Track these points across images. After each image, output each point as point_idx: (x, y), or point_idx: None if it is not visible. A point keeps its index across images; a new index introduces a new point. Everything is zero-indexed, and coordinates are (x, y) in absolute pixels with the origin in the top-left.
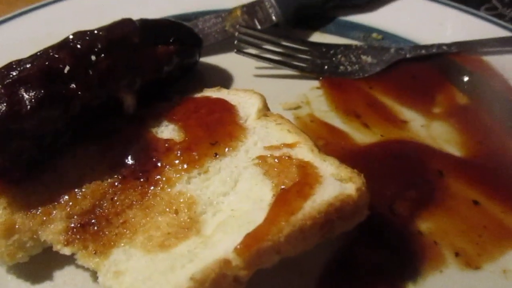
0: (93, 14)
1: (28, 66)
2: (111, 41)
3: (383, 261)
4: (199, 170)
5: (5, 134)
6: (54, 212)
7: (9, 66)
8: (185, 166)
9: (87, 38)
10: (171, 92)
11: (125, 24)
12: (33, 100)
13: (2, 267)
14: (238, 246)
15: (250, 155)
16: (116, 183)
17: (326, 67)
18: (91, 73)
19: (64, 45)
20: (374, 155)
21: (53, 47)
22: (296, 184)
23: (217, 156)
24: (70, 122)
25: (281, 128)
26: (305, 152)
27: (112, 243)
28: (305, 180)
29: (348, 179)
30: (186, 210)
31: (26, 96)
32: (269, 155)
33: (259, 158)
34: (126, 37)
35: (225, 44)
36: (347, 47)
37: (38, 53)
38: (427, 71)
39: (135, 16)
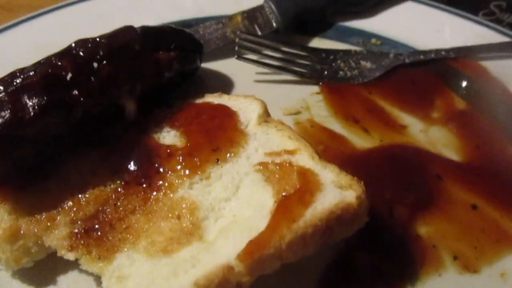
0: (95, 21)
1: (31, 73)
2: (112, 48)
3: (382, 265)
4: (201, 175)
5: (9, 141)
6: (58, 217)
7: (13, 74)
8: (187, 171)
9: (89, 45)
10: (172, 98)
11: (126, 31)
12: (36, 106)
13: (7, 272)
14: (241, 253)
15: (251, 161)
16: (118, 189)
17: (325, 72)
18: (93, 80)
19: (66, 52)
20: (374, 159)
21: (55, 55)
22: (297, 191)
23: (219, 161)
24: (72, 128)
25: (282, 134)
26: (305, 158)
27: (115, 248)
28: (305, 187)
29: (348, 186)
30: (188, 216)
31: (29, 103)
32: (270, 162)
33: (260, 164)
34: (127, 44)
35: (226, 50)
36: (346, 52)
37: (41, 61)
38: (426, 76)
39: (137, 23)
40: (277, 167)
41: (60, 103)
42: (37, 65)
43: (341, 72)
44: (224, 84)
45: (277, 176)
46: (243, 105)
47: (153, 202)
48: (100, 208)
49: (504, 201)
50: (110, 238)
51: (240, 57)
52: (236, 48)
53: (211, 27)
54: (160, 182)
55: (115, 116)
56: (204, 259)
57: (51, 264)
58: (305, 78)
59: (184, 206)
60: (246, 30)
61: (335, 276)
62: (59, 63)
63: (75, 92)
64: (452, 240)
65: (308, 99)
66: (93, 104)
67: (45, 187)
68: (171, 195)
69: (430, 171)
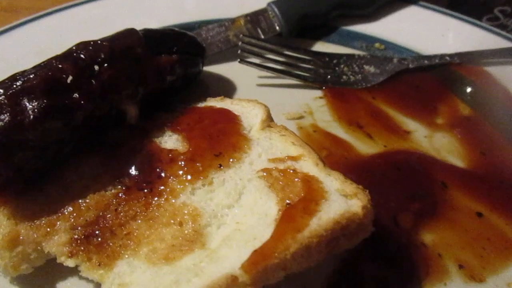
0: (97, 24)
1: (31, 76)
2: (114, 51)
3: (386, 273)
4: (203, 181)
5: (8, 145)
6: (58, 223)
7: (13, 77)
8: (189, 177)
9: (91, 48)
10: (174, 102)
11: (129, 34)
12: (36, 110)
13: (6, 278)
14: (245, 263)
15: (255, 167)
16: (120, 194)
17: (329, 76)
18: (94, 83)
19: (67, 55)
20: (377, 166)
21: (56, 58)
22: (301, 200)
23: (221, 167)
24: (73, 132)
25: (285, 139)
26: (309, 165)
27: (116, 254)
28: (310, 195)
29: (354, 195)
30: (190, 222)
31: (29, 106)
32: (273, 168)
33: (263, 170)
34: (129, 48)
35: (229, 54)
36: (349, 57)
37: (42, 64)
38: (430, 82)
39: (139, 26)
40: (281, 174)
41: (61, 106)
42: (37, 68)
43: (344, 77)
44: (227, 88)
45: (280, 183)
46: (245, 109)
47: (155, 208)
48: (100, 214)
49: (510, 209)
50: (111, 244)
51: (242, 61)
52: (239, 52)
53: (214, 30)
54: (162, 188)
55: (117, 120)
56: (207, 268)
57: (50, 271)
58: (308, 82)
59: (186, 212)
60: (249, 34)
61: (339, 285)
62: (60, 66)
63: (76, 95)
64: (457, 249)
65: (311, 104)
66: (94, 107)
67: (45, 192)
68: (173, 201)
69: (435, 178)
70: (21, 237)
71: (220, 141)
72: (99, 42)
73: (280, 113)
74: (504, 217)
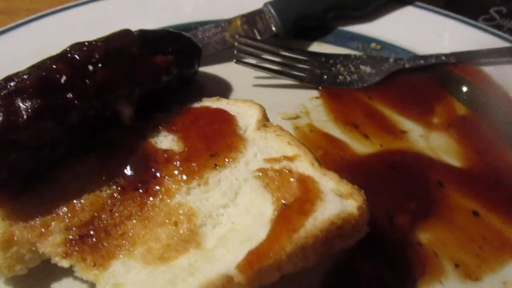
0: (94, 25)
1: (25, 77)
2: (109, 51)
3: (382, 273)
4: (199, 181)
5: (2, 145)
6: (53, 224)
7: (8, 78)
8: (185, 177)
9: (85, 48)
10: (170, 103)
11: (124, 34)
12: (29, 110)
13: (0, 279)
14: (241, 263)
15: (250, 167)
16: (115, 195)
17: (325, 77)
18: (88, 83)
19: (61, 56)
20: (373, 165)
21: (50, 58)
22: (297, 201)
23: (217, 167)
24: (68, 133)
25: (281, 139)
26: (305, 165)
27: (111, 255)
28: (306, 196)
29: (349, 195)
30: (185, 222)
31: (22, 106)
32: (269, 168)
33: (259, 170)
34: (124, 48)
35: (225, 54)
36: (346, 57)
37: (36, 65)
38: (426, 82)
39: (135, 27)
40: (277, 174)
41: (54, 106)
42: (32, 69)
43: (340, 77)
44: (223, 89)
45: (276, 183)
46: (241, 109)
47: (150, 208)
48: (95, 214)
49: (506, 208)
50: (106, 244)
51: (239, 61)
52: (235, 52)
53: (210, 31)
54: (157, 188)
55: (112, 120)
56: (202, 268)
57: (45, 272)
58: (305, 82)
59: (181, 212)
60: (245, 34)
61: (334, 284)
62: (54, 66)
63: (70, 95)
64: (453, 248)
65: (307, 104)
66: (88, 107)
67: (40, 193)
68: (168, 201)
69: (431, 178)
70: (15, 238)
71: (216, 141)
72: (93, 42)
73: (276, 113)
74: (500, 216)
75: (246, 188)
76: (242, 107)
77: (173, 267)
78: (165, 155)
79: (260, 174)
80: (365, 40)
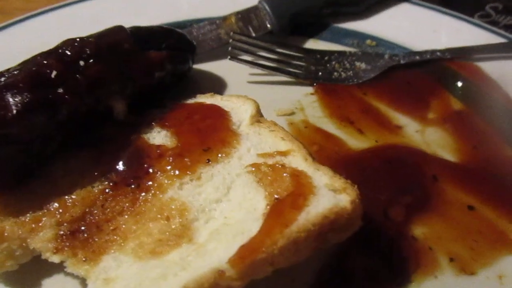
0: (88, 23)
1: (15, 72)
2: (100, 47)
3: (377, 267)
4: (191, 176)
5: None
6: (44, 219)
7: None
8: (177, 172)
9: (76, 44)
10: (164, 99)
11: (116, 30)
12: (19, 104)
13: None
14: (233, 258)
15: (243, 162)
16: (107, 190)
17: (320, 73)
18: (79, 78)
19: (52, 51)
20: (368, 160)
21: (41, 54)
22: (290, 195)
23: (210, 162)
24: (59, 128)
25: (275, 135)
26: (298, 160)
27: (102, 250)
28: (299, 190)
29: (342, 190)
30: (178, 217)
31: (12, 101)
32: (262, 163)
33: (252, 165)
34: (116, 43)
35: (219, 51)
36: (341, 53)
37: (27, 60)
38: (421, 77)
39: (129, 25)
40: (270, 169)
41: (45, 101)
42: (22, 65)
43: (335, 73)
44: (217, 85)
45: (269, 178)
46: (235, 105)
47: (142, 203)
48: (87, 210)
49: (501, 202)
50: (97, 240)
51: (233, 58)
52: (230, 49)
53: (205, 28)
54: (150, 183)
55: (104, 116)
56: (194, 262)
57: (36, 268)
58: (300, 79)
59: (173, 207)
60: (240, 31)
61: (328, 279)
62: (45, 62)
63: (61, 90)
64: (448, 242)
65: (302, 100)
66: (79, 103)
67: (30, 188)
68: (161, 196)
69: (426, 172)
70: (6, 234)
71: (209, 136)
72: (85, 38)
73: (271, 109)
74: (495, 210)
75: (239, 183)
76: (236, 102)
77: (165, 261)
78: (158, 151)
79: (253, 169)
80: (360, 37)
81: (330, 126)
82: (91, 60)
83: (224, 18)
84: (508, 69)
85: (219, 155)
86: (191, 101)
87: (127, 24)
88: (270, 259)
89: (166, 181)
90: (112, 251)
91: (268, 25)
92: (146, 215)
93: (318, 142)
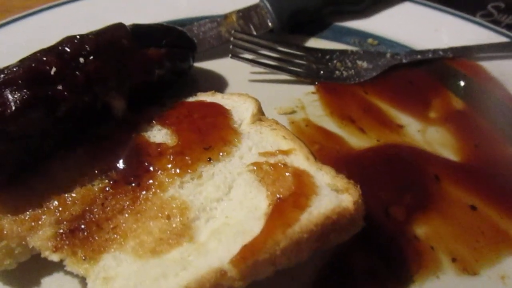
0: (88, 21)
1: (14, 69)
2: (100, 44)
3: (378, 267)
4: (192, 175)
5: None
6: (43, 217)
7: None
8: (178, 170)
9: (76, 41)
10: (164, 97)
11: (115, 28)
12: (17, 101)
13: None
14: (234, 258)
15: (245, 161)
16: (107, 188)
17: (321, 72)
18: (78, 75)
19: (52, 48)
20: (370, 159)
21: (41, 51)
22: (292, 195)
23: (211, 161)
24: (58, 124)
25: (276, 133)
26: (300, 160)
27: (102, 248)
28: (301, 190)
29: (344, 190)
30: (178, 216)
31: (10, 97)
32: (264, 162)
33: (253, 164)
34: (116, 40)
35: (220, 49)
36: (342, 52)
37: (26, 57)
38: (423, 76)
39: (129, 23)
40: (271, 168)
41: (43, 98)
42: (22, 61)
43: (337, 72)
44: (218, 84)
45: (271, 177)
46: (236, 103)
47: (142, 202)
48: (87, 208)
49: (503, 202)
50: (97, 238)
51: (234, 56)
52: (231, 47)
53: (206, 26)
54: (150, 181)
55: (104, 113)
56: (195, 261)
57: (35, 266)
58: (301, 78)
59: (174, 206)
60: (241, 30)
61: (329, 279)
62: (44, 58)
63: (60, 87)
64: (450, 242)
65: (304, 99)
66: (78, 99)
67: (30, 186)
68: (161, 195)
69: (428, 171)
70: (4, 232)
71: (210, 134)
72: (85, 35)
73: (272, 108)
74: (498, 209)
75: (240, 182)
76: (237, 101)
77: (165, 260)
78: (158, 149)
79: (255, 168)
80: (362, 35)
81: (331, 125)
82: (91, 57)
83: (225, 16)
84: (510, 68)
85: (220, 153)
86: (191, 99)
87: (127, 22)
88: (272, 259)
89: (166, 180)
90: (112, 249)
91: (269, 23)
92: (146, 214)
93: (319, 141)
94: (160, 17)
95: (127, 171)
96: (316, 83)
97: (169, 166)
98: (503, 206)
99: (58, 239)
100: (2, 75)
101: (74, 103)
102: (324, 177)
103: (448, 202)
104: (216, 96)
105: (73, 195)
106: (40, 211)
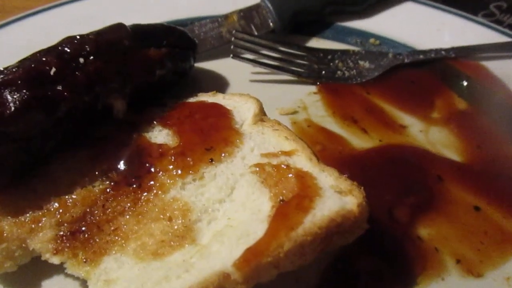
0: (89, 21)
1: (14, 69)
2: (100, 44)
3: (382, 269)
4: (194, 176)
5: None
6: (43, 219)
7: None
8: (179, 171)
9: (76, 42)
10: (165, 97)
11: (116, 28)
12: (17, 101)
13: None
14: (238, 261)
15: (247, 162)
16: (107, 190)
17: (323, 72)
18: (78, 75)
19: (52, 49)
20: (373, 160)
21: (41, 51)
22: (295, 197)
23: (213, 162)
24: (58, 125)
25: (278, 134)
26: (303, 161)
27: (103, 251)
28: (304, 192)
29: (348, 192)
30: (180, 217)
31: (10, 98)
32: (266, 163)
33: (256, 165)
34: (116, 41)
35: (221, 50)
36: (344, 52)
37: (26, 58)
38: (425, 76)
39: (130, 23)
40: (274, 169)
41: (43, 98)
42: (22, 62)
43: (339, 72)
44: (219, 84)
45: (274, 178)
46: (238, 103)
47: (144, 203)
48: (87, 210)
49: (507, 203)
50: (98, 240)
51: (235, 57)
52: (232, 47)
53: (207, 26)
54: (151, 183)
55: (104, 114)
56: (198, 264)
57: (35, 269)
58: (303, 78)
59: (176, 207)
60: (242, 30)
61: (333, 280)
62: (44, 59)
63: (60, 87)
64: (454, 243)
65: (305, 99)
66: (78, 100)
67: (30, 188)
68: (163, 196)
69: (431, 172)
70: (5, 234)
71: (212, 135)
72: (85, 36)
73: (273, 108)
74: (502, 210)
75: (243, 183)
76: (238, 101)
77: (168, 263)
78: (160, 150)
79: (257, 169)
80: (364, 35)
81: (333, 126)
82: (91, 57)
83: (226, 16)
84: None
85: (222, 154)
86: (192, 99)
87: (128, 22)
88: (275, 262)
89: (168, 181)
90: (113, 252)
91: (271, 23)
92: (148, 215)
93: (322, 141)
94: (161, 17)
95: (128, 172)
96: (318, 83)
97: (171, 167)
98: (507, 206)
99: (58, 241)
100: (1, 76)
101: (74, 104)
102: (327, 179)
103: (452, 203)
104: (218, 96)
105: (74, 196)
106: (40, 213)
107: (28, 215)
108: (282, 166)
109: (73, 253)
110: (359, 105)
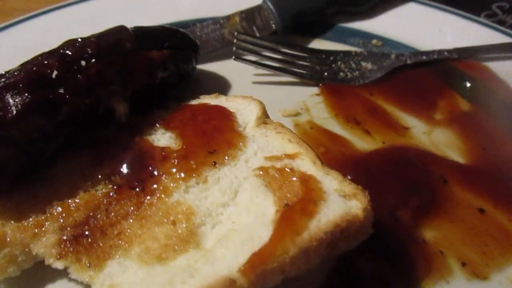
0: (90, 24)
1: (16, 73)
2: (101, 46)
3: (386, 271)
4: (197, 179)
5: None
6: (47, 224)
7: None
8: (183, 175)
9: (78, 44)
10: (167, 100)
11: (118, 30)
12: (19, 105)
13: None
14: (243, 266)
15: (250, 165)
16: (110, 193)
17: (325, 74)
18: (80, 78)
19: (53, 52)
20: (376, 162)
21: (42, 54)
22: (300, 201)
23: (216, 165)
24: (60, 128)
25: (282, 137)
26: (307, 164)
27: (106, 255)
28: (308, 196)
29: (353, 195)
30: (184, 221)
31: (11, 101)
32: (270, 166)
33: (260, 169)
34: (118, 43)
35: (223, 51)
36: (346, 53)
37: (28, 61)
38: (428, 77)
39: (132, 25)
40: (278, 172)
41: (44, 101)
42: (23, 65)
43: (341, 73)
44: (222, 86)
45: (278, 182)
46: (240, 106)
47: (147, 207)
48: (91, 214)
49: (511, 204)
50: (101, 244)
51: (238, 58)
52: (234, 49)
53: (208, 27)
54: (154, 186)
55: (106, 118)
56: (202, 268)
57: (38, 274)
58: (305, 79)
59: (179, 211)
60: (244, 31)
61: (337, 283)
62: (45, 62)
63: (61, 90)
64: (459, 246)
65: (308, 101)
66: (80, 103)
67: (33, 191)
68: (166, 200)
69: (435, 174)
70: (8, 238)
71: (214, 138)
72: (86, 38)
73: (276, 110)
74: (507, 212)
75: (246, 187)
76: (241, 103)
77: (172, 267)
78: (163, 153)
79: (261, 172)
80: (366, 37)
81: (336, 127)
82: (93, 60)
83: (228, 18)
84: None
85: (225, 157)
86: (195, 102)
87: (129, 24)
88: (281, 268)
89: (171, 184)
90: (117, 256)
91: (273, 25)
92: (151, 219)
93: (325, 143)
94: (162, 19)
95: (131, 176)
96: (320, 84)
97: (174, 170)
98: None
99: (62, 246)
100: (3, 79)
101: (76, 107)
102: (331, 183)
103: (456, 205)
104: (220, 98)
105: (77, 200)
106: (43, 218)
107: (31, 219)
108: (286, 169)
109: (77, 258)
110: (361, 107)
